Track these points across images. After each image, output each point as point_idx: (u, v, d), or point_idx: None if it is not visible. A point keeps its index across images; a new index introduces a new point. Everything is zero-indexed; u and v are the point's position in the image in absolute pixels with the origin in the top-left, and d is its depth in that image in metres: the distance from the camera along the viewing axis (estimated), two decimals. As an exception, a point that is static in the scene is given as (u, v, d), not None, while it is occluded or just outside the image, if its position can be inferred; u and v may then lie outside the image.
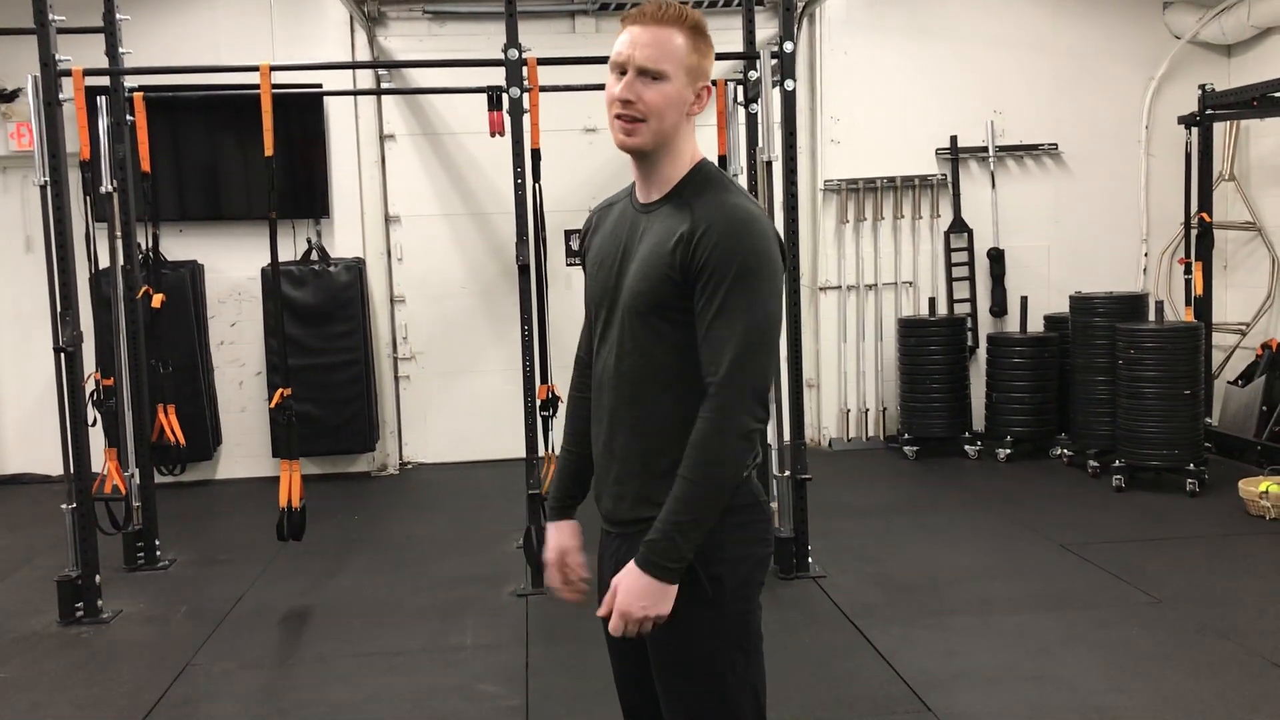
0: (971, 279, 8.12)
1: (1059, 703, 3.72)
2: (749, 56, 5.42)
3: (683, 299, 2.00)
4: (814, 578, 5.10)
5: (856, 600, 4.79)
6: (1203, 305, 7.24)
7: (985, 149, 8.04)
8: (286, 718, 3.85)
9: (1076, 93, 8.08)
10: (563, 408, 5.31)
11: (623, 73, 2.04)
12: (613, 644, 2.22)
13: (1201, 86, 7.26)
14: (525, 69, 4.98)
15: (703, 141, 6.69)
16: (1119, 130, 8.15)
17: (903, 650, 4.21)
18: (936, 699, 3.77)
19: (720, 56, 6.28)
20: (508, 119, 5.06)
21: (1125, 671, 3.96)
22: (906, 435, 7.73)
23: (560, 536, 2.31)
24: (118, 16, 5.50)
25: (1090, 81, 8.08)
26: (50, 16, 4.79)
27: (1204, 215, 7.23)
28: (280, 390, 5.00)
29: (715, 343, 1.96)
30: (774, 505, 5.38)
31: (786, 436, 5.21)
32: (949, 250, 8.11)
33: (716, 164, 2.17)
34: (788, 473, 5.12)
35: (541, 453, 5.22)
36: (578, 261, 2.30)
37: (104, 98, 5.52)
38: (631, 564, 1.98)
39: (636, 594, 1.97)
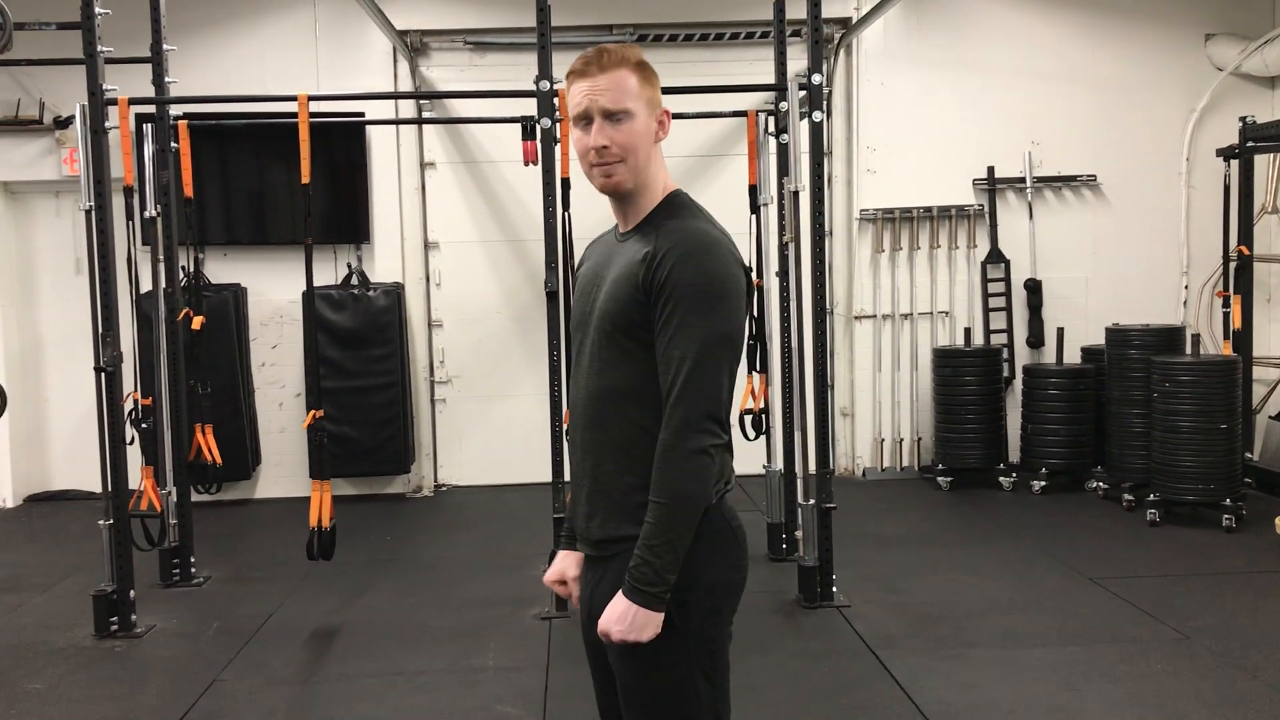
0: (1008, 310, 8.09)
1: (1076, 737, 3.69)
2: (778, 88, 5.48)
3: (646, 319, 2.06)
4: (837, 607, 5.09)
5: (879, 630, 4.78)
6: (1242, 339, 7.16)
7: (1023, 180, 8.02)
8: (307, 734, 3.92)
9: (1116, 124, 8.04)
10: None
11: (588, 122, 2.11)
12: (590, 655, 2.28)
13: (1242, 119, 7.20)
14: (556, 100, 5.07)
15: (734, 171, 6.78)
16: (1159, 162, 8.10)
17: (922, 681, 4.20)
18: (952, 731, 3.75)
19: (750, 88, 6.39)
20: (540, 148, 5.15)
21: (1145, 706, 3.92)
22: (941, 466, 7.70)
23: (562, 563, 2.36)
24: (165, 47, 5.67)
25: (1130, 113, 8.04)
26: (99, 48, 4.96)
27: (1243, 249, 7.16)
28: (313, 411, 5.10)
29: (670, 361, 2.01)
30: (798, 534, 5.40)
31: (812, 465, 5.22)
32: (985, 280, 8.09)
33: (690, 198, 2.22)
34: (812, 501, 5.12)
35: (568, 477, 5.26)
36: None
37: (149, 125, 5.69)
38: (620, 601, 2.02)
39: (615, 617, 2.02)
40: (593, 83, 2.11)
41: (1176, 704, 3.94)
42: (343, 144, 7.74)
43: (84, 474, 7.83)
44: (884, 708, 4.00)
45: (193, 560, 5.85)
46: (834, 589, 5.17)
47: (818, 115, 5.10)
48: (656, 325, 2.04)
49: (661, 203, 2.17)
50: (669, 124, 2.20)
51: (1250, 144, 7.12)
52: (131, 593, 5.05)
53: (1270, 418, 7.53)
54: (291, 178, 7.56)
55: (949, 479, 7.62)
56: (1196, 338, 6.73)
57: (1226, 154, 7.26)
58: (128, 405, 5.42)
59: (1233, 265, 7.28)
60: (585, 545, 2.22)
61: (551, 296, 5.13)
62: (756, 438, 5.97)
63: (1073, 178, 8.06)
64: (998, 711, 3.93)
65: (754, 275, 6.24)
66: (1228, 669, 4.25)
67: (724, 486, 2.13)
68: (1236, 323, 7.17)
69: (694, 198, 2.23)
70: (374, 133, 7.79)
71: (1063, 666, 4.32)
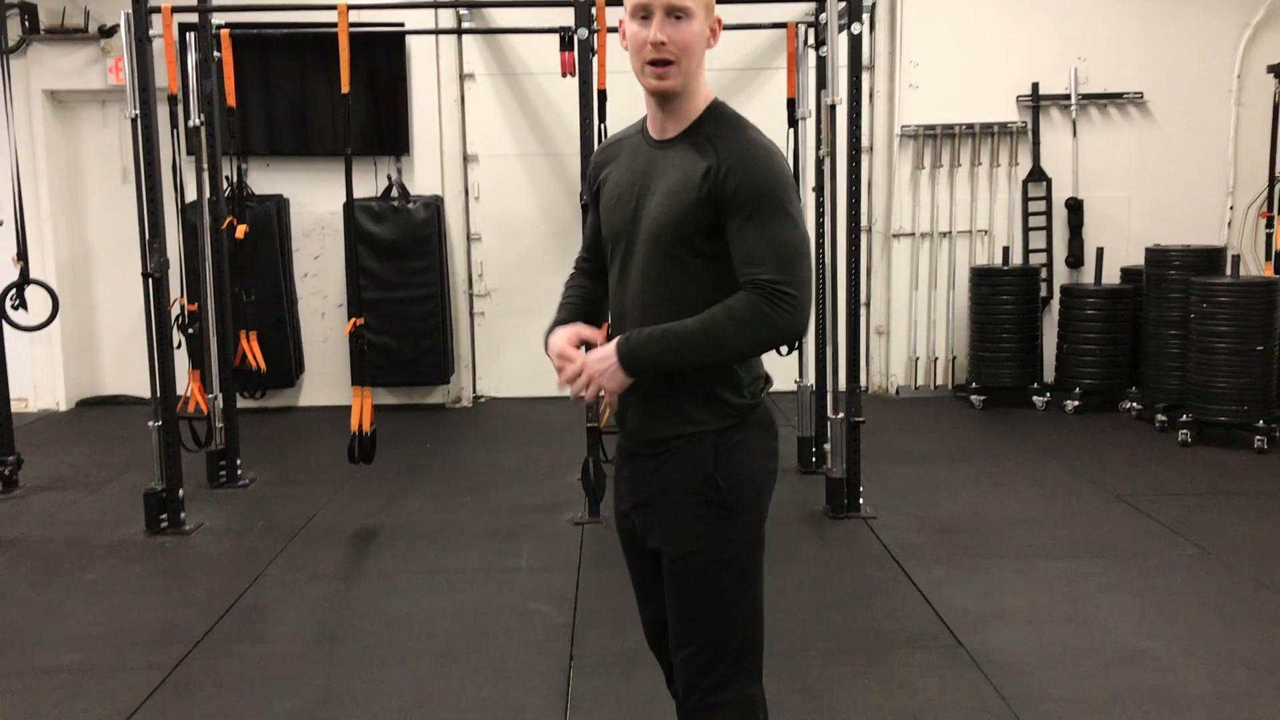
0: (1048, 229, 8.03)
1: (1091, 645, 3.78)
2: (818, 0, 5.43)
3: (709, 230, 2.11)
4: (864, 518, 5.19)
5: (903, 541, 4.88)
6: (1284, 260, 7.09)
7: (1068, 97, 7.90)
8: (347, 626, 4.09)
9: (1165, 40, 7.88)
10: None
11: (646, 16, 2.10)
12: (629, 553, 2.38)
13: (1296, 34, 7.04)
14: (594, 10, 5.07)
15: (774, 85, 6.73)
16: (1209, 79, 7.93)
17: (943, 589, 4.30)
18: (969, 636, 3.86)
19: (790, -1, 6.28)
20: (577, 59, 5.16)
21: (1162, 618, 4.00)
22: (974, 385, 7.73)
23: (566, 328, 2.26)
24: (206, -44, 5.71)
25: (1180, 28, 7.87)
26: (142, -45, 5.01)
27: (1289, 168, 7.05)
28: (353, 319, 5.22)
29: (753, 253, 2.06)
30: (827, 447, 5.49)
31: (843, 381, 5.29)
32: (1026, 199, 8.02)
33: (729, 108, 2.23)
34: (841, 415, 5.20)
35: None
36: (587, 200, 2.38)
37: (192, 34, 5.74)
38: (612, 342, 2.11)
39: (597, 359, 2.11)
40: None
41: (1193, 616, 4.02)
42: (383, 55, 7.77)
43: (133, 379, 8.04)
44: (905, 612, 4.11)
45: (239, 462, 6.04)
46: (860, 500, 5.27)
47: (856, 27, 5.07)
48: (732, 233, 2.09)
49: (706, 112, 2.18)
50: (719, 33, 2.19)
51: (1303, 61, 6.96)
52: (180, 491, 5.24)
53: (1310, 341, 7.47)
54: (333, 89, 7.48)
55: (982, 398, 7.66)
56: (1237, 259, 6.67)
57: (1278, 71, 7.10)
58: (174, 311, 5.56)
59: (1278, 186, 7.17)
60: (634, 444, 2.28)
61: (586, 209, 5.17)
62: (789, 353, 6.02)
63: (1119, 95, 7.92)
64: (1015, 619, 4.02)
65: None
66: (1246, 584, 4.31)
67: (764, 384, 2.25)
68: (1279, 244, 7.08)
69: (737, 107, 2.24)
70: (413, 43, 7.79)
71: (1082, 579, 4.40)
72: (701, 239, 2.12)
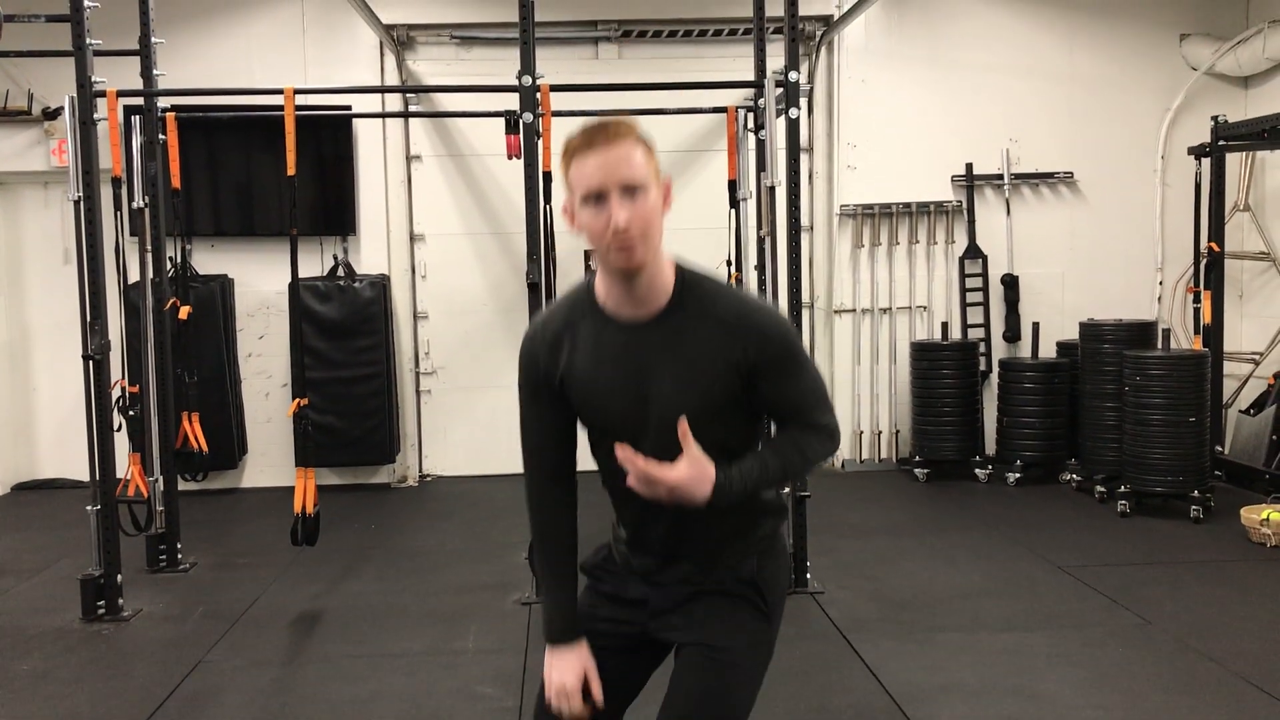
0: (985, 304, 8.21)
1: (1036, 716, 3.82)
2: (757, 85, 5.58)
3: (738, 398, 2.16)
4: (811, 593, 5.21)
5: (850, 615, 4.90)
6: (1212, 334, 7.29)
7: (1001, 176, 8.15)
8: (290, 712, 4.02)
9: (1092, 122, 8.18)
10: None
11: (600, 199, 2.02)
12: (611, 664, 2.31)
13: (1214, 118, 7.32)
14: (539, 95, 5.17)
15: (715, 166, 6.84)
16: (1135, 160, 8.23)
17: (890, 664, 4.32)
18: (917, 710, 3.87)
19: (731, 85, 6.47)
20: (523, 142, 5.25)
21: (1106, 689, 4.04)
22: (918, 458, 7.82)
23: (582, 657, 2.25)
24: (153, 40, 5.74)
25: (1106, 111, 8.17)
26: (88, 40, 5.03)
27: (1213, 245, 7.29)
28: (297, 400, 5.20)
29: (800, 400, 2.20)
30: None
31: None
32: (963, 276, 8.21)
33: (693, 267, 2.22)
34: (787, 490, 5.23)
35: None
36: (533, 392, 2.26)
37: (138, 117, 5.76)
38: (713, 468, 2.08)
39: (695, 480, 2.05)
40: (605, 156, 2.01)
41: (1135, 686, 4.07)
42: (330, 137, 7.83)
43: (71, 463, 7.91)
44: (852, 688, 4.12)
45: (179, 546, 5.94)
46: (808, 575, 5.29)
47: (794, 112, 5.21)
48: (769, 388, 2.16)
49: (678, 283, 2.14)
50: (670, 195, 2.13)
51: (1222, 142, 7.24)
52: (119, 577, 5.14)
53: (1240, 412, 7.68)
54: (279, 170, 7.52)
55: (926, 471, 7.75)
56: (1167, 332, 6.86)
57: (1198, 152, 7.39)
58: (115, 393, 5.50)
59: (1204, 262, 7.42)
60: (686, 583, 2.28)
61: (534, 288, 5.22)
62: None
63: (1050, 174, 8.18)
64: (962, 692, 4.05)
65: (733, 269, 6.35)
66: (1187, 654, 4.38)
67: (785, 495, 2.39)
68: (1207, 318, 7.30)
69: (676, 194, 2.22)
70: (360, 126, 7.87)
71: (1027, 650, 4.45)
72: (730, 409, 2.17)
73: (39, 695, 4.21)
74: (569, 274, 7.89)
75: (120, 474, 5.42)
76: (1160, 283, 8.27)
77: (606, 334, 2.16)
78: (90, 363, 5.05)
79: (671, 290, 2.13)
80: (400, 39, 7.95)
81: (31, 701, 4.16)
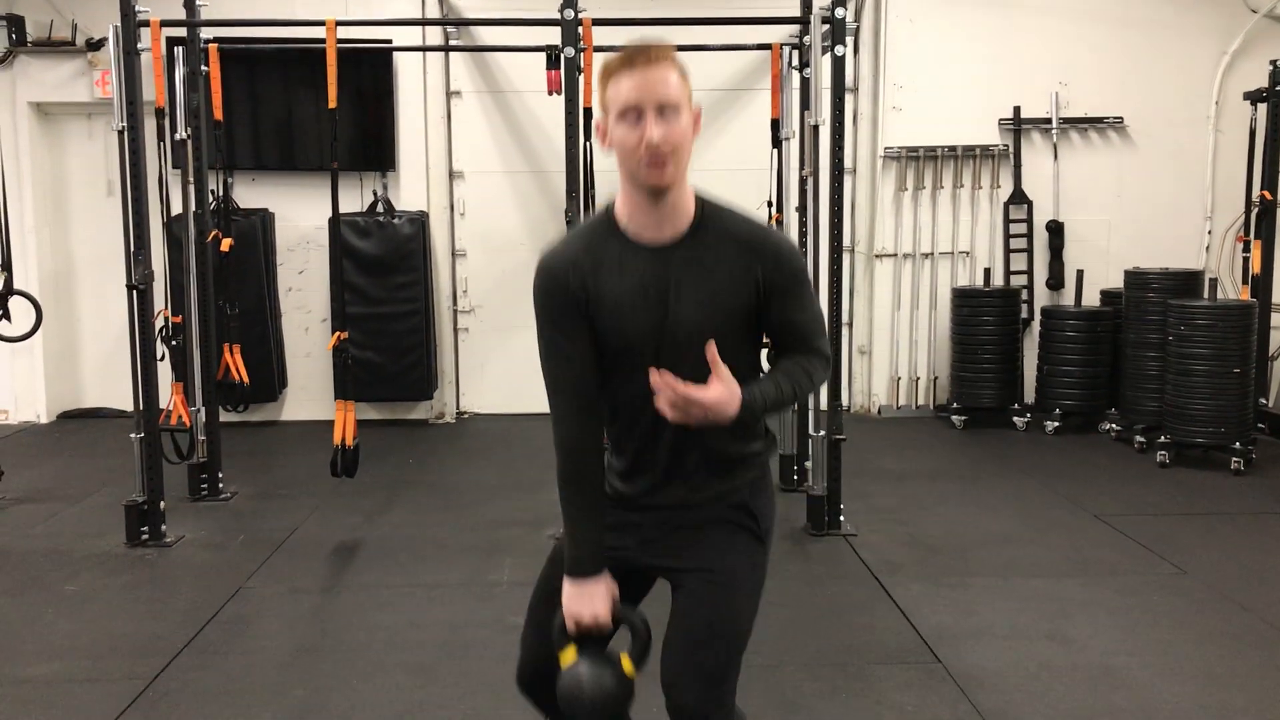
0: (1029, 251, 8.10)
1: (1067, 661, 3.81)
2: (802, 21, 5.49)
3: (752, 317, 2.23)
4: (844, 535, 5.22)
5: (883, 558, 4.91)
6: (1261, 285, 7.16)
7: (1049, 120, 8.00)
8: (328, 639, 4.09)
9: (1145, 66, 7.99)
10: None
11: (638, 116, 2.07)
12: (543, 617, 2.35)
13: (1273, 62, 7.12)
14: (580, 29, 5.11)
15: (758, 105, 6.74)
16: (1188, 105, 8.04)
17: (922, 606, 4.33)
18: (947, 652, 3.88)
19: (775, 20, 6.37)
20: (564, 77, 5.20)
21: (1138, 636, 4.04)
22: (956, 405, 7.78)
23: (610, 585, 2.26)
24: (196, -30, 5.74)
25: (1160, 55, 7.98)
26: (131, -31, 5.03)
27: (1265, 194, 7.13)
28: (337, 333, 5.24)
29: (806, 327, 2.28)
30: (808, 464, 5.52)
31: (824, 400, 5.32)
32: (1008, 221, 8.10)
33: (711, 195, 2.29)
34: (823, 433, 5.23)
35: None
36: (559, 322, 2.23)
37: (180, 48, 5.77)
38: (739, 389, 2.11)
39: (727, 400, 2.08)
40: (644, 76, 2.07)
41: (1167, 634, 4.06)
42: (370, 71, 7.80)
43: (115, 392, 8.03)
44: (883, 629, 4.13)
45: (220, 476, 6.03)
46: (841, 518, 5.30)
47: (840, 50, 5.13)
48: (779, 310, 2.23)
49: (699, 210, 2.20)
50: (700, 122, 2.19)
51: (1279, 88, 7.05)
52: (162, 504, 5.23)
53: (1286, 364, 7.56)
54: (319, 104, 7.58)
55: (963, 418, 7.71)
56: (1214, 282, 6.74)
57: (1255, 97, 7.20)
58: (158, 323, 5.56)
59: (1255, 211, 7.26)
60: (680, 508, 2.32)
61: (571, 225, 5.20)
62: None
63: (1099, 119, 8.02)
64: (993, 636, 4.05)
65: (774, 209, 6.30)
66: (1221, 603, 4.36)
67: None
68: (1256, 268, 7.16)
69: (718, 134, 2.37)
70: (401, 60, 7.83)
71: (1060, 597, 4.44)
72: (743, 331, 2.24)
73: (85, 615, 4.32)
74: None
75: (163, 403, 5.50)
76: (1209, 231, 8.12)
77: (629, 256, 2.19)
78: (134, 292, 5.10)
79: (693, 214, 2.20)
80: (442, -28, 7.88)
81: (79, 621, 4.26)
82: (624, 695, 2.21)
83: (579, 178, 5.22)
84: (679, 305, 2.18)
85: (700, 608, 2.28)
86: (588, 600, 2.23)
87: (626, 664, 2.21)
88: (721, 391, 2.08)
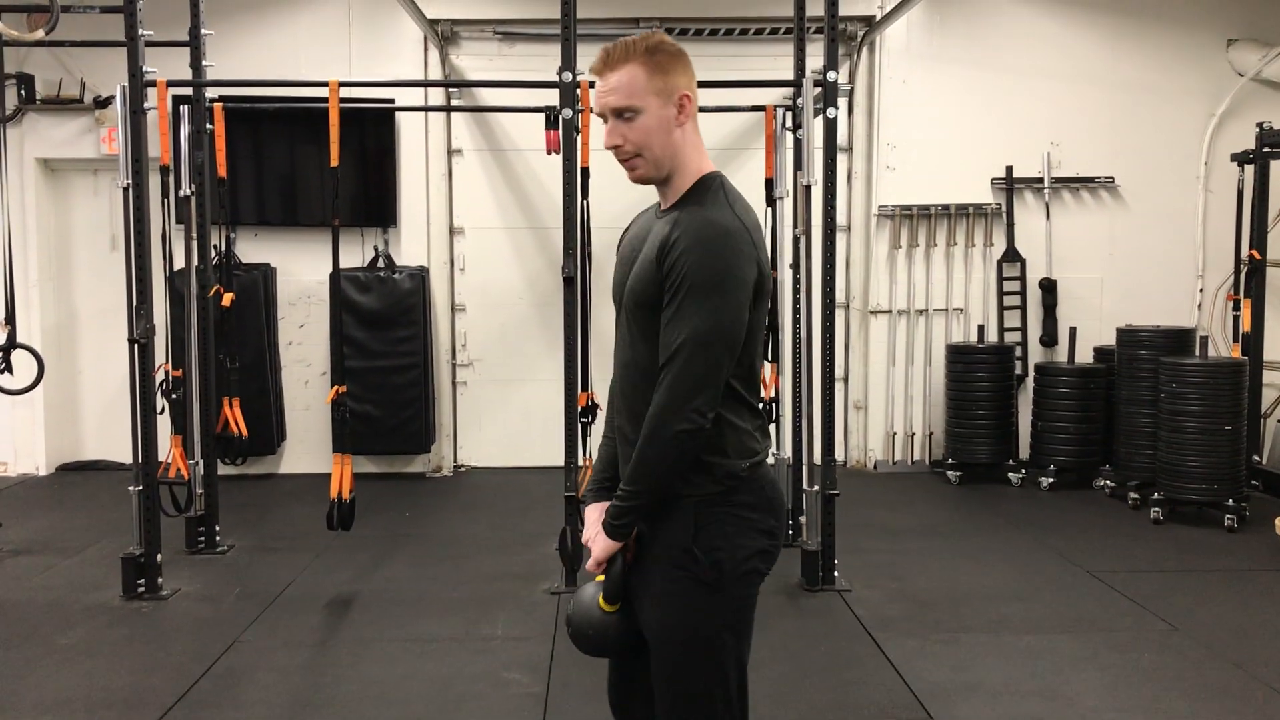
0: (1023, 308, 8.18)
1: (1058, 718, 3.83)
2: (795, 84, 5.61)
3: (655, 307, 2.18)
4: (838, 591, 5.23)
5: (876, 614, 4.93)
6: (1251, 342, 7.23)
7: (1041, 180, 8.11)
8: (322, 693, 4.10)
9: (1135, 127, 8.12)
10: (601, 414, 5.53)
11: (605, 119, 2.24)
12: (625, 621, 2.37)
13: (1259, 125, 7.26)
14: (579, 91, 5.23)
15: (754, 164, 6.84)
16: (1178, 166, 8.17)
17: (915, 662, 4.34)
18: (940, 708, 3.89)
19: (770, 84, 6.50)
20: (561, 137, 5.31)
21: (1130, 693, 4.05)
22: (951, 460, 7.81)
23: (597, 514, 2.36)
24: (202, 32, 5.87)
25: (1149, 117, 8.12)
26: (140, 31, 5.16)
27: (1254, 253, 7.23)
28: (336, 387, 5.29)
29: (667, 346, 2.13)
30: (802, 519, 5.54)
31: (818, 454, 5.36)
32: (1001, 279, 8.19)
33: (730, 183, 2.29)
34: (816, 488, 5.27)
35: (580, 460, 5.42)
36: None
37: (186, 107, 5.88)
38: (599, 525, 2.28)
39: (591, 537, 2.31)
40: (602, 82, 2.21)
41: (1159, 691, 4.07)
42: (373, 130, 7.93)
43: (114, 445, 8.07)
44: (877, 685, 4.14)
45: (217, 529, 6.05)
46: (835, 573, 5.32)
47: (832, 112, 5.23)
48: (663, 306, 2.16)
49: (693, 185, 2.25)
50: (691, 106, 2.23)
51: (1266, 149, 7.18)
52: (159, 557, 5.26)
53: (1278, 421, 7.61)
54: (322, 161, 7.74)
55: (959, 473, 7.74)
56: (1205, 339, 6.81)
57: (1242, 159, 7.34)
58: (159, 377, 5.62)
59: (1245, 269, 7.36)
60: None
61: (569, 282, 5.28)
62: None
63: (1091, 179, 8.14)
64: (986, 692, 4.06)
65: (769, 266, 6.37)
66: (1214, 661, 4.37)
67: (759, 457, 2.27)
68: (1246, 326, 7.25)
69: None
70: (403, 119, 7.97)
71: (1053, 653, 4.45)
72: (658, 308, 2.19)
73: (80, 668, 4.33)
74: (604, 269, 7.95)
75: (162, 456, 5.54)
76: (1200, 290, 8.21)
77: (646, 221, 2.36)
78: (135, 346, 5.17)
79: (683, 193, 2.25)
80: (444, 34, 8.03)
81: (73, 674, 4.27)
82: (595, 621, 2.31)
83: (576, 234, 5.30)
84: (632, 269, 2.27)
85: (654, 665, 2.27)
86: (587, 520, 2.39)
87: (600, 600, 2.30)
88: (591, 536, 2.30)
